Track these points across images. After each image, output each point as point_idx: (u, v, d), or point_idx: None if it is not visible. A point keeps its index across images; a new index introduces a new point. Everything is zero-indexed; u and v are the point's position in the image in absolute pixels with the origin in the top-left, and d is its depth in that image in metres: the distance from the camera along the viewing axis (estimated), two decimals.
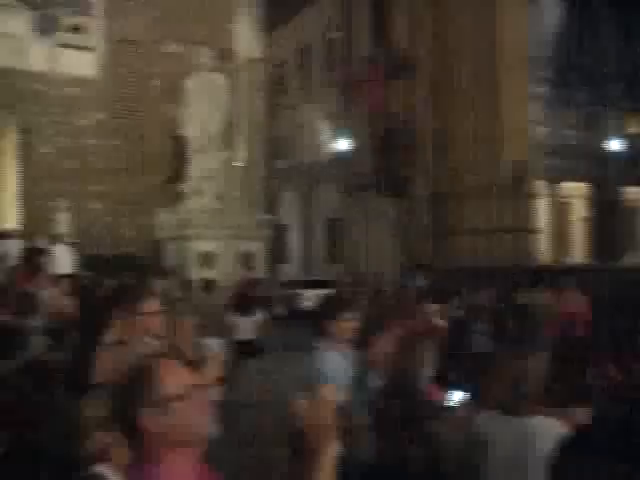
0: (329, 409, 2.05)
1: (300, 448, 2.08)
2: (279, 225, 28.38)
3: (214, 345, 10.22)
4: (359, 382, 4.29)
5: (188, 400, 2.02)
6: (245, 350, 10.75)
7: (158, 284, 12.05)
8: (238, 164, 21.94)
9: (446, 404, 4.37)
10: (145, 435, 2.00)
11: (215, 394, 4.08)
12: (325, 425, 2.04)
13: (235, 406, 9.31)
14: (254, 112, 28.40)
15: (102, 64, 22.24)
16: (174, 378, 2.05)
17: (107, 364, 4.71)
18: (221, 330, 10.33)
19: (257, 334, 11.46)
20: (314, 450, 2.04)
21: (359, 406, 3.89)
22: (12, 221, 24.86)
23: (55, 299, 8.35)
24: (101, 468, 2.79)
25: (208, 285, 12.67)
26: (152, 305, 4.89)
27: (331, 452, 2.04)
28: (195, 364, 4.37)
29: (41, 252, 17.33)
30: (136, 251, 20.51)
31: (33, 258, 15.06)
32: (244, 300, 11.92)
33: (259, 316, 11.79)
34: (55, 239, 18.12)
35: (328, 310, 4.75)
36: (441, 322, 7.67)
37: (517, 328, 9.98)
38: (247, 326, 11.36)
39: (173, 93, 21.14)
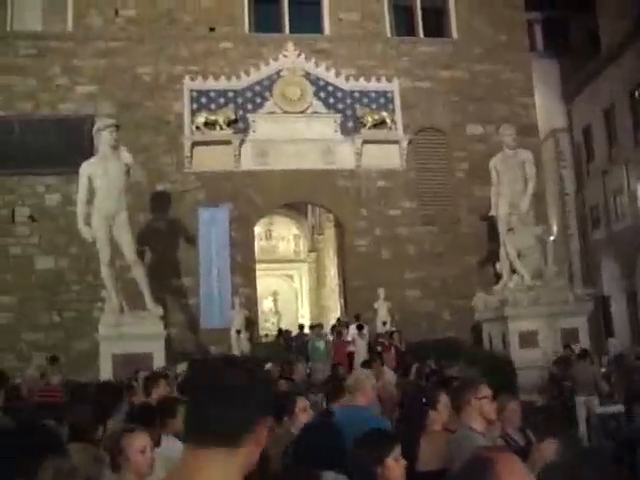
0: None
1: None
2: (602, 297, 26.82)
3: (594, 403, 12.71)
4: None
5: None
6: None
7: None
8: (552, 238, 21.19)
9: None
10: None
11: None
12: None
13: None
14: (562, 183, 27.57)
15: (407, 154, 22.81)
16: (512, 475, 1.96)
17: (432, 451, 4.78)
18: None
19: None
20: None
21: None
22: (334, 314, 26.05)
23: (382, 387, 8.52)
24: None
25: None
26: (484, 390, 4.83)
27: None
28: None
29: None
30: (456, 335, 20.46)
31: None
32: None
33: None
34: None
35: None
36: None
37: None
38: None
39: (479, 174, 21.16)
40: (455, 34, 24.41)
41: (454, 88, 23.51)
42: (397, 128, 22.84)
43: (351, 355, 18.95)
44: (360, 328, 19.60)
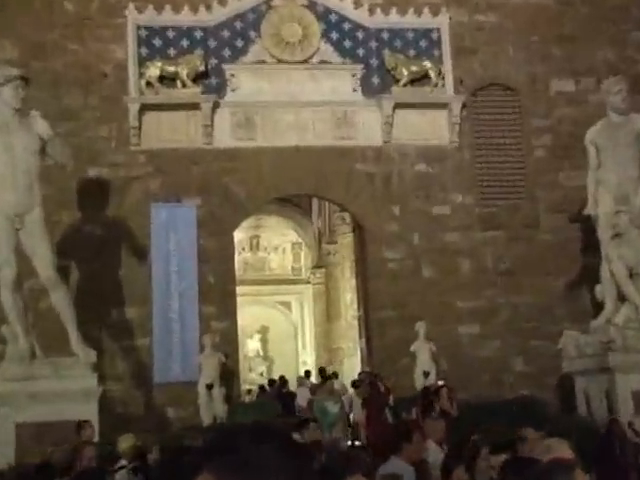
0: None
1: None
2: None
3: None
4: None
5: None
6: None
7: None
8: None
9: None
10: None
11: None
12: None
13: None
14: None
15: (460, 124, 22.59)
16: None
17: None
18: None
19: None
20: None
21: None
22: (352, 359, 25.74)
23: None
24: None
25: None
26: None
27: None
28: None
29: None
30: (534, 392, 20.08)
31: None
32: None
33: None
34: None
35: None
36: None
37: None
38: None
39: (569, 153, 21.12)
40: None
41: (532, 23, 23.24)
42: (446, 85, 22.72)
43: None
44: (363, 386, 19.90)
